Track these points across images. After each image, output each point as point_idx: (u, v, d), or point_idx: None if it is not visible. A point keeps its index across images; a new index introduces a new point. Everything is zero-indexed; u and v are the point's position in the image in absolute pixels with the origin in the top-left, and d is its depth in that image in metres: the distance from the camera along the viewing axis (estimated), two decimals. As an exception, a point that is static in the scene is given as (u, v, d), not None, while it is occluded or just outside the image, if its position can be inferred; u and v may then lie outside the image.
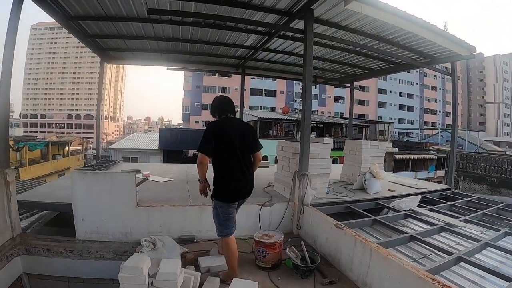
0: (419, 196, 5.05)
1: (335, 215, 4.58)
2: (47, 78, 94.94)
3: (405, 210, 4.51)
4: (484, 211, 4.71)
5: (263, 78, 44.29)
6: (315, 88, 34.00)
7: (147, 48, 6.91)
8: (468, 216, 4.41)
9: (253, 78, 44.81)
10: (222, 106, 3.18)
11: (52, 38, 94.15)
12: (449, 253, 3.00)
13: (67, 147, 26.61)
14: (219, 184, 2.97)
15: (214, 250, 3.61)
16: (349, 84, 9.55)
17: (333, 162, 9.49)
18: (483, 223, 4.22)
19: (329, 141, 4.88)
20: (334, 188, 5.54)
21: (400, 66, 7.36)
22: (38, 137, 35.22)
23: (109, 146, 30.12)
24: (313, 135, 22.45)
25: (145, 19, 5.13)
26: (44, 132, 76.09)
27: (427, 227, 4.02)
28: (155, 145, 26.41)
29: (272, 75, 9.34)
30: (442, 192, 5.94)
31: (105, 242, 3.85)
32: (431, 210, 4.68)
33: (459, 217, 4.35)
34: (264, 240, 3.26)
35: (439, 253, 3.18)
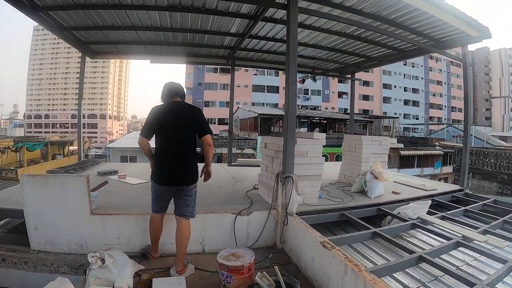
0: (429, 202, 4.31)
1: (328, 225, 3.96)
2: (51, 79, 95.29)
3: (412, 219, 3.83)
4: (505, 217, 3.97)
5: (266, 74, 45.31)
6: (315, 82, 33.30)
7: (128, 40, 6.49)
8: (488, 226, 3.67)
9: (255, 74, 45.58)
10: (168, 90, 3.14)
11: (55, 38, 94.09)
12: (471, 284, 2.30)
13: (67, 147, 26.27)
14: (153, 164, 3.11)
15: (173, 269, 2.96)
16: (349, 75, 8.93)
17: (336, 160, 8.80)
18: (506, 234, 3.52)
19: (320, 136, 4.19)
20: (329, 191, 4.85)
21: (404, 52, 6.61)
22: (39, 137, 35.08)
23: (107, 146, 29.70)
24: (316, 131, 21.63)
25: (116, 5, 4.74)
26: (48, 132, 76.22)
27: (438, 242, 3.35)
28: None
29: (266, 67, 8.75)
30: (454, 194, 5.21)
31: (60, 254, 3.36)
32: (442, 218, 4.00)
33: (477, 227, 3.64)
34: (229, 262, 2.58)
35: (457, 282, 2.49)
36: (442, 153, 26.94)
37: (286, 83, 3.63)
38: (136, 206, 3.78)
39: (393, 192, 4.98)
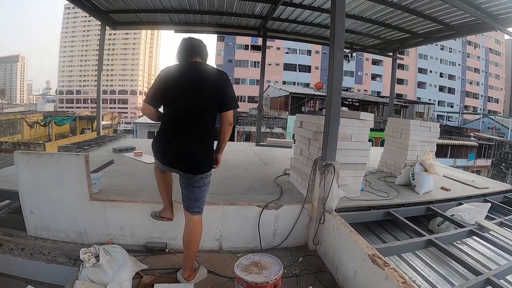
0: (488, 204, 3.49)
1: (369, 222, 3.26)
2: (82, 55, 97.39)
3: (469, 224, 3.09)
4: None
5: (298, 52, 43.93)
6: (348, 62, 31.79)
7: (150, 7, 5.99)
8: None
9: (287, 52, 44.70)
10: (185, 47, 2.34)
11: (86, 16, 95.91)
12: None
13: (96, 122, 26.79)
14: (155, 139, 2.36)
15: (180, 273, 2.39)
16: (391, 53, 7.98)
17: (381, 146, 7.98)
18: None
19: (368, 117, 3.40)
20: (370, 182, 4.11)
21: (454, 29, 5.76)
22: (69, 112, 35.98)
23: (135, 121, 29.98)
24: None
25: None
26: (80, 107, 78.64)
27: (504, 258, 2.65)
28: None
29: (300, 39, 7.99)
30: (506, 195, 4.30)
31: (57, 242, 2.99)
32: (500, 224, 3.24)
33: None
34: (249, 276, 1.94)
35: None
36: (477, 144, 25.25)
37: (331, 49, 2.86)
38: (145, 190, 3.25)
39: (442, 188, 4.17)
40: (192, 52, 2.32)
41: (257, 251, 2.84)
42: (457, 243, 2.99)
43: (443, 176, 4.84)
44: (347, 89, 38.85)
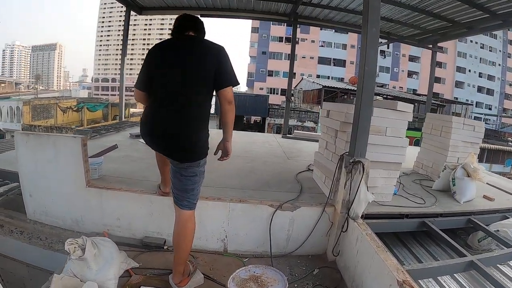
0: None
1: (402, 234, 2.82)
2: (118, 45, 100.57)
3: None
4: None
5: (333, 46, 42.92)
6: (384, 58, 30.42)
7: None
8: None
9: (322, 46, 43.88)
10: (180, 22, 2.08)
11: (121, 6, 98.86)
12: None
13: (128, 109, 27.29)
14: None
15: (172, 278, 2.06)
16: (431, 45, 7.39)
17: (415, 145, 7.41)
18: None
19: (407, 108, 2.87)
20: (404, 184, 3.59)
21: (500, 17, 5.05)
22: (102, 99, 37.04)
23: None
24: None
25: None
26: (114, 95, 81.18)
27: None
28: (212, 110, 25.45)
29: (333, 27, 7.87)
30: None
31: (55, 228, 2.86)
32: None
33: None
34: None
35: None
36: (515, 150, 23.43)
37: (364, 24, 2.37)
38: (150, 180, 2.95)
39: (484, 197, 3.56)
40: (184, 26, 2.04)
41: (266, 256, 2.46)
42: (500, 265, 2.46)
43: (487, 183, 4.23)
44: (382, 85, 37.49)
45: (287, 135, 6.88)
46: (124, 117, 26.34)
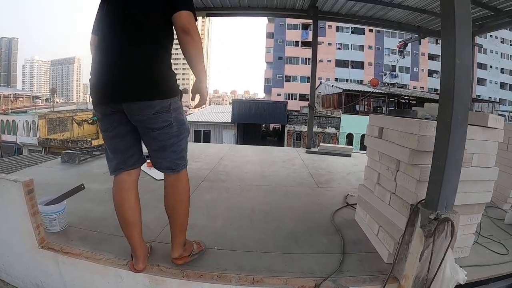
0: None
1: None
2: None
3: None
4: None
5: (350, 48, 41.56)
6: (403, 58, 28.62)
7: None
8: None
9: (339, 48, 43.04)
10: None
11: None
12: None
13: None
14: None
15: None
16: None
17: None
18: None
19: (497, 123, 1.92)
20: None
21: None
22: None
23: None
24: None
25: None
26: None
27: None
28: (230, 118, 24.61)
29: (358, 21, 6.86)
30: None
31: None
32: None
33: None
34: None
35: None
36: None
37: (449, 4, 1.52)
38: (122, 234, 2.13)
39: None
40: None
41: None
42: None
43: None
44: (403, 86, 35.85)
45: (312, 150, 5.92)
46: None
